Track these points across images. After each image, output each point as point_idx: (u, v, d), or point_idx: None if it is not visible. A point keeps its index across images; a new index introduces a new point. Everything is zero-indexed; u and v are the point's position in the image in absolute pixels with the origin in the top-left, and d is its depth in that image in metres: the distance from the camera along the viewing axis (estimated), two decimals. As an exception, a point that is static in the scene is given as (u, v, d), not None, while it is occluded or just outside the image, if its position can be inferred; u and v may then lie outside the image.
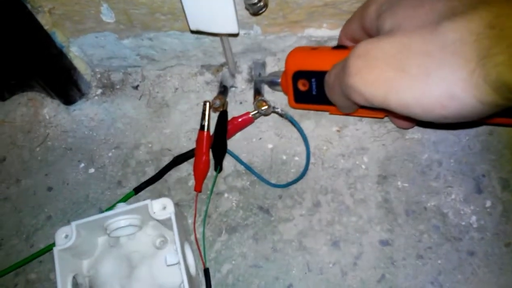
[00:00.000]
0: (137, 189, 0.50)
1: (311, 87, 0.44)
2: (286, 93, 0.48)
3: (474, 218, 0.46)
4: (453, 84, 0.28)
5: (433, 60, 0.28)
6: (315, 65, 0.42)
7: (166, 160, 0.51)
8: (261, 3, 0.40)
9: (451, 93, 0.28)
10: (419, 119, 0.31)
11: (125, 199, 0.49)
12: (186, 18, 0.43)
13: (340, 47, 0.42)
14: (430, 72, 0.29)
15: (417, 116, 0.31)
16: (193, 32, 0.46)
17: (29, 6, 0.47)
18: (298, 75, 0.44)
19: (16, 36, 0.47)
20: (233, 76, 0.53)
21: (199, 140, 0.49)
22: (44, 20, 0.48)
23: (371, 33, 0.37)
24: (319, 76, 0.43)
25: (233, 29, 0.42)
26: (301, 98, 0.46)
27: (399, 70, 0.30)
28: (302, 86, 0.45)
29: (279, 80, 0.48)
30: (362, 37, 0.39)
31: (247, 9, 0.42)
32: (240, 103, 0.53)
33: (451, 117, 0.30)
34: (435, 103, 0.29)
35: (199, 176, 0.48)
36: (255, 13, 0.42)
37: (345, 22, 0.43)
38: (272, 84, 0.49)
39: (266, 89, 0.52)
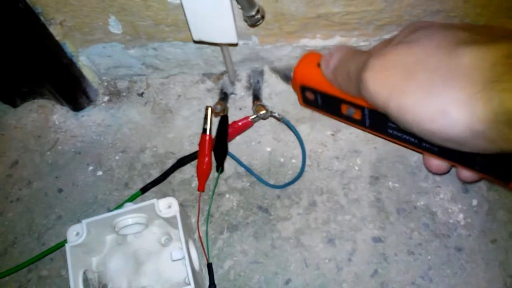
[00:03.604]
0: (144, 189, 0.52)
1: (317, 99, 0.46)
2: (295, 92, 0.49)
3: (461, 216, 0.48)
4: (450, 102, 0.28)
5: (440, 76, 0.29)
6: (319, 87, 0.44)
7: (170, 163, 0.54)
8: (258, 15, 0.43)
9: (445, 110, 0.29)
10: (408, 129, 0.32)
11: (132, 198, 0.51)
12: (189, 29, 0.45)
13: None
14: (433, 85, 0.30)
15: (407, 124, 0.32)
16: (195, 42, 0.48)
17: (42, 19, 0.49)
18: (305, 87, 0.46)
19: (30, 46, 0.49)
20: (233, 83, 0.56)
21: (201, 143, 0.51)
22: (56, 31, 0.51)
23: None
24: (323, 95, 0.44)
25: (233, 39, 0.45)
26: (309, 103, 0.48)
27: (409, 77, 0.31)
28: (309, 95, 0.47)
29: (291, 76, 0.49)
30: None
31: (245, 20, 0.44)
32: (239, 109, 0.56)
33: (437, 135, 0.31)
34: (427, 116, 0.30)
35: (202, 176, 0.51)
36: (253, 25, 0.44)
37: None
38: (285, 78, 0.50)
39: (264, 95, 0.55)
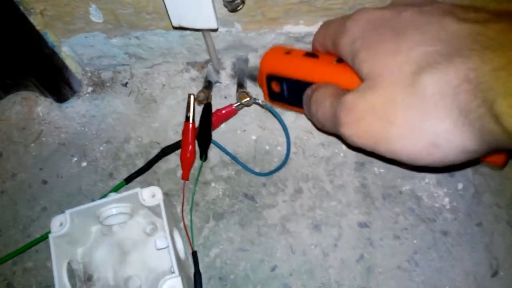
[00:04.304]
0: (128, 179, 0.52)
1: (283, 90, 0.47)
2: (261, 88, 0.50)
3: (447, 200, 0.48)
4: (436, 135, 0.29)
5: (416, 114, 0.30)
6: (286, 72, 0.44)
7: (155, 153, 0.53)
8: (238, 0, 0.42)
9: (434, 143, 0.29)
10: (409, 164, 0.33)
11: (117, 189, 0.51)
12: (168, 15, 0.45)
13: (311, 55, 0.43)
14: (414, 124, 0.30)
15: (406, 162, 0.32)
16: (175, 28, 0.48)
17: (21, 8, 0.49)
18: (271, 77, 0.46)
19: (10, 37, 0.49)
20: (217, 72, 0.56)
21: (184, 131, 0.51)
22: (36, 21, 0.50)
23: (344, 59, 0.38)
24: (289, 82, 0.45)
25: (212, 24, 0.44)
26: (274, 97, 0.49)
27: (386, 122, 0.31)
28: (275, 87, 0.47)
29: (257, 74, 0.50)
30: (335, 53, 0.40)
31: (225, 6, 0.44)
32: (224, 97, 0.55)
33: (437, 164, 0.31)
34: (420, 152, 0.31)
35: (186, 165, 0.50)
36: (233, 10, 0.44)
37: (319, 32, 0.43)
38: (252, 78, 0.51)
39: (248, 82, 0.54)
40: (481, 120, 0.27)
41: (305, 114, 0.44)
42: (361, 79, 0.34)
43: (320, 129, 0.45)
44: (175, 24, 0.45)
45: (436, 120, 0.29)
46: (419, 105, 0.30)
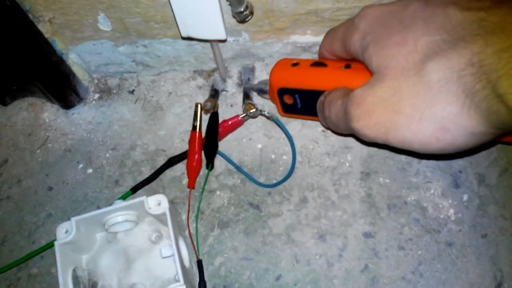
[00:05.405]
0: (134, 189, 0.52)
1: (296, 102, 0.47)
2: (274, 103, 0.51)
3: (452, 211, 0.48)
4: (444, 119, 0.30)
5: (423, 100, 0.31)
6: (297, 84, 0.45)
7: (161, 160, 0.54)
8: (247, 12, 0.42)
9: (443, 127, 0.30)
10: (419, 153, 0.34)
11: (123, 198, 0.51)
12: (177, 26, 0.45)
13: (318, 64, 0.44)
14: (422, 110, 0.31)
15: (416, 150, 0.33)
16: (184, 38, 0.48)
17: (30, 16, 0.49)
18: (282, 91, 0.47)
19: (19, 44, 0.49)
20: (224, 80, 0.56)
21: (191, 140, 0.51)
22: (44, 29, 0.51)
23: (355, 57, 0.39)
24: (301, 93, 0.45)
25: (221, 35, 0.45)
26: (289, 110, 0.49)
27: (395, 112, 0.32)
28: (287, 100, 0.48)
29: (267, 89, 0.50)
30: (344, 56, 0.41)
31: (234, 17, 0.44)
32: (230, 105, 0.56)
33: (447, 149, 0.32)
34: (431, 138, 0.31)
35: (192, 173, 0.51)
36: (242, 21, 0.44)
37: (326, 38, 0.44)
38: (261, 92, 0.52)
39: (254, 93, 0.55)
40: (486, 102, 0.27)
41: (320, 122, 0.45)
42: (371, 73, 0.35)
43: (336, 132, 0.46)
44: (184, 34, 0.45)
45: (443, 105, 0.30)
46: (425, 92, 0.30)
